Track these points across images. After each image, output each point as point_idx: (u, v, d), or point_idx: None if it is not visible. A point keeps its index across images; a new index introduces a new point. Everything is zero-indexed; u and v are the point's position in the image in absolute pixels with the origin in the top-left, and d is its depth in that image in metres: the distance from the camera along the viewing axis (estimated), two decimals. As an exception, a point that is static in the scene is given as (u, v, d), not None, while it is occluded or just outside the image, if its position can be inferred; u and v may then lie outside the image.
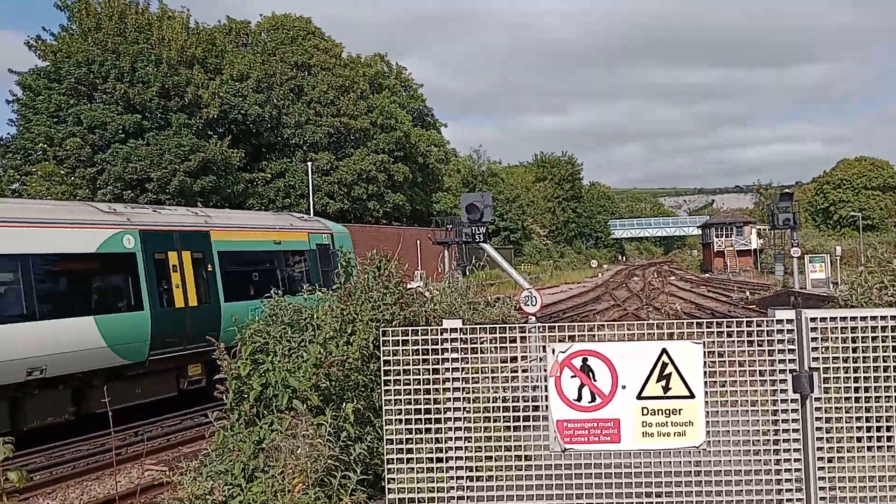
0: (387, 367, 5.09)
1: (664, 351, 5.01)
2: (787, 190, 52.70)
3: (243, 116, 44.89)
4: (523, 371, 5.67)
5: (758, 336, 5.21)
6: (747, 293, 40.32)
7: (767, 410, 5.34)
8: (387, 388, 5.10)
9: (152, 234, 14.83)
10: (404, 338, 5.09)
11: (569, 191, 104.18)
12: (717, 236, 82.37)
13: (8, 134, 38.54)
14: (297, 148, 48.70)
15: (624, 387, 4.97)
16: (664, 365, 5.01)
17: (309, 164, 44.97)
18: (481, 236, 18.55)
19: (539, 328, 5.88)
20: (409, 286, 9.74)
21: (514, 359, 6.17)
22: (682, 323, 5.36)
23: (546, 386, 5.12)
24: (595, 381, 4.93)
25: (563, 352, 4.89)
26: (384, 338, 5.14)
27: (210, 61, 43.94)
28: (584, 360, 4.93)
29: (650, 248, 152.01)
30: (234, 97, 44.08)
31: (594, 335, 5.19)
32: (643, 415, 5.02)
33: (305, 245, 19.11)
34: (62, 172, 35.51)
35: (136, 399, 14.02)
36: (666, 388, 5.01)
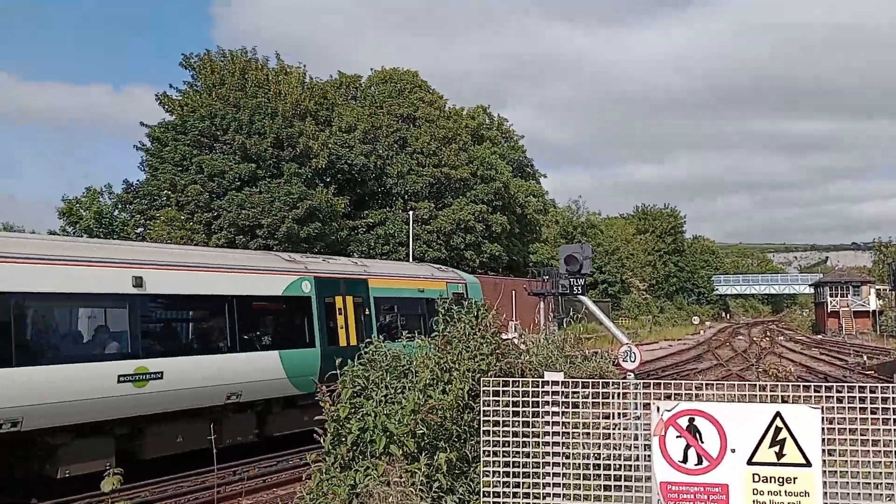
0: (486, 418, 5.08)
1: (778, 414, 4.77)
2: (911, 248, 49.23)
3: (349, 166, 46.65)
4: (623, 429, 5.51)
5: (882, 403, 4.88)
6: (864, 357, 37.62)
7: (891, 483, 4.96)
8: (485, 437, 5.08)
9: (324, 280, 17.03)
10: (504, 388, 5.08)
11: (670, 244, 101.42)
12: (831, 295, 77.75)
13: (137, 180, 41.49)
14: (399, 197, 49.99)
15: (734, 450, 4.75)
16: (778, 429, 4.76)
17: (410, 213, 45.98)
18: (579, 288, 18.33)
19: (639, 385, 5.73)
20: (504, 337, 9.72)
21: (611, 415, 6.01)
22: (798, 386, 5.09)
23: (646, 445, 4.96)
24: (702, 442, 4.73)
25: (669, 410, 4.74)
26: (484, 387, 5.14)
27: (321, 114, 46.14)
28: (691, 419, 4.76)
29: (756, 305, 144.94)
30: (342, 148, 45.96)
31: (701, 394, 5.00)
32: (754, 482, 4.77)
33: (443, 293, 20.34)
34: (182, 217, 37.87)
35: (304, 426, 14.54)
36: (780, 455, 4.75)
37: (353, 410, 7.96)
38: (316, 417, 8.41)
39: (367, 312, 17.92)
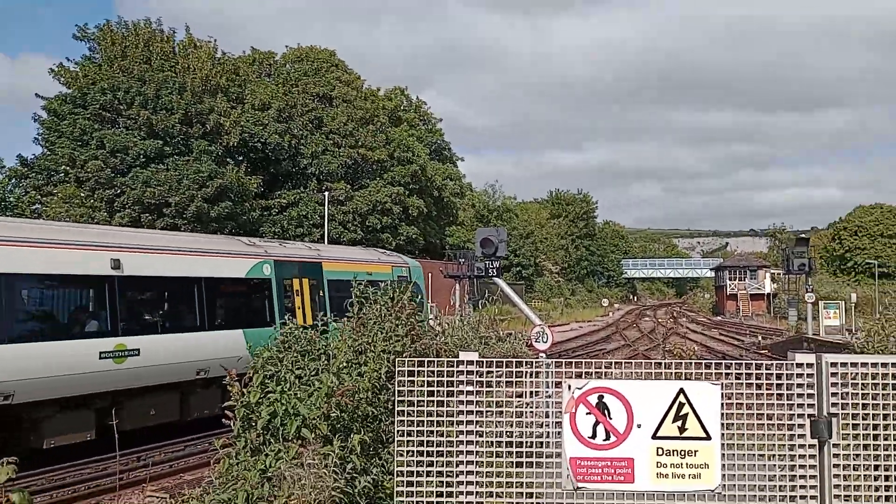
0: (400, 398, 5.06)
1: (681, 391, 4.96)
2: (803, 235, 52.45)
3: (263, 145, 45.45)
4: (535, 407, 5.62)
5: (776, 379, 5.15)
6: (759, 338, 39.91)
7: (784, 455, 5.25)
8: (400, 418, 5.06)
9: (282, 263, 18.11)
10: (419, 369, 5.07)
11: (583, 228, 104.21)
12: (730, 279, 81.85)
13: (33, 155, 39.05)
14: (313, 177, 49.13)
15: (639, 426, 4.91)
16: (681, 405, 4.95)
17: (326, 193, 45.30)
18: (494, 271, 18.53)
19: (551, 365, 5.84)
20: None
21: (524, 394, 6.12)
22: (700, 363, 5.31)
23: (557, 423, 5.07)
24: (610, 418, 4.87)
25: (580, 388, 4.85)
26: (399, 368, 5.12)
27: (233, 90, 44.64)
28: (601, 397, 4.88)
29: (662, 288, 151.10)
30: (255, 126, 44.67)
31: (610, 373, 5.14)
32: (658, 455, 4.95)
33: (389, 276, 21.83)
34: (82, 195, 35.96)
35: None
36: (682, 429, 4.94)
37: (264, 395, 7.80)
38: (225, 404, 8.21)
39: (321, 294, 18.92)
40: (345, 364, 7.85)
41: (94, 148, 37.20)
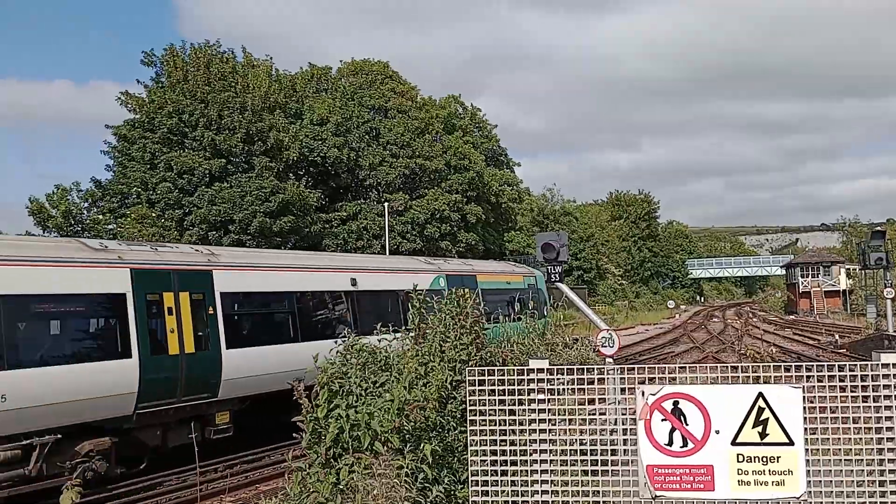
0: (472, 408, 5.05)
1: (760, 395, 4.81)
2: (878, 227, 50.21)
3: (322, 159, 46.27)
4: (607, 413, 5.53)
5: (861, 381, 4.94)
6: (836, 337, 38.33)
7: (872, 461, 5.02)
8: (471, 428, 5.06)
9: (452, 276, 21.52)
10: (489, 377, 5.06)
11: (644, 229, 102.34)
12: (802, 276, 79.01)
13: (106, 179, 40.75)
14: (372, 189, 49.74)
15: (717, 432, 4.78)
16: (760, 410, 4.80)
17: (385, 204, 45.78)
18: (557, 276, 18.36)
19: (619, 370, 5.73)
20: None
21: (593, 401, 6.03)
22: (779, 366, 5.13)
23: (627, 430, 4.97)
24: (687, 424, 4.75)
25: (654, 394, 4.75)
26: (469, 377, 5.12)
27: (291, 106, 45.63)
28: (675, 403, 4.77)
29: (730, 288, 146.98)
30: (314, 140, 45.54)
31: (683, 377, 5.02)
32: (738, 462, 4.80)
33: (521, 284, 26.03)
34: (154, 215, 37.31)
35: None
36: (763, 435, 4.79)
37: (331, 409, 7.88)
38: (294, 418, 8.34)
39: (477, 301, 20.30)
40: (414, 378, 7.87)
41: (162, 170, 38.59)
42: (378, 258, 23.68)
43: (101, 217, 38.72)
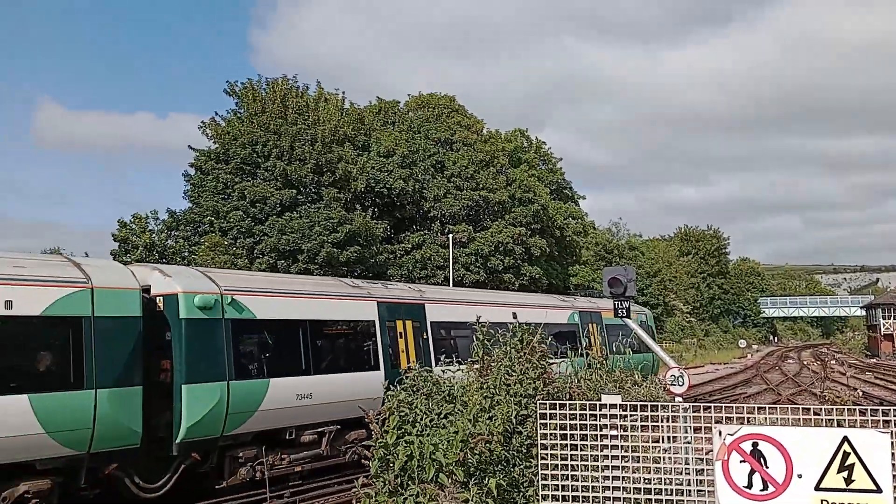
0: (542, 441, 4.99)
1: (845, 439, 4.59)
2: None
3: (388, 190, 46.96)
4: (683, 453, 5.37)
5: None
6: (924, 382, 36.21)
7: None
8: (542, 462, 5.00)
9: (584, 312, 25.04)
10: (560, 412, 5.00)
11: (714, 266, 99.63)
12: (884, 318, 75.35)
13: (180, 210, 42.39)
14: (436, 220, 50.10)
15: (800, 476, 4.58)
16: (846, 454, 4.58)
17: (449, 236, 46.03)
18: (624, 312, 18.02)
19: (694, 409, 5.57)
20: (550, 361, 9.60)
21: (666, 439, 5.86)
22: (865, 410, 4.91)
23: (698, 470, 4.82)
24: (767, 467, 4.57)
25: (732, 434, 4.60)
26: (541, 410, 5.07)
27: (359, 139, 46.61)
28: (755, 444, 4.60)
29: (806, 328, 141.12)
30: (380, 172, 46.31)
31: (764, 418, 4.85)
32: (822, 509, 4.58)
33: (635, 321, 27.64)
34: (225, 243, 38.50)
35: None
36: (848, 481, 4.56)
37: (400, 436, 7.91)
38: (364, 442, 8.41)
39: (603, 334, 25.47)
40: (479, 410, 7.83)
41: (235, 199, 39.88)
42: (525, 296, 27.20)
43: (176, 245, 40.20)
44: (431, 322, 18.48)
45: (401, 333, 17.41)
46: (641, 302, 73.64)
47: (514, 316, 20.17)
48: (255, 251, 39.26)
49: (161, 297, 12.76)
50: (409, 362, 16.51)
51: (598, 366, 11.91)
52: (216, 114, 44.62)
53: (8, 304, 10.37)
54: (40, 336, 10.66)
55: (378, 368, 16.35)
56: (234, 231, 39.34)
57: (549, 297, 26.51)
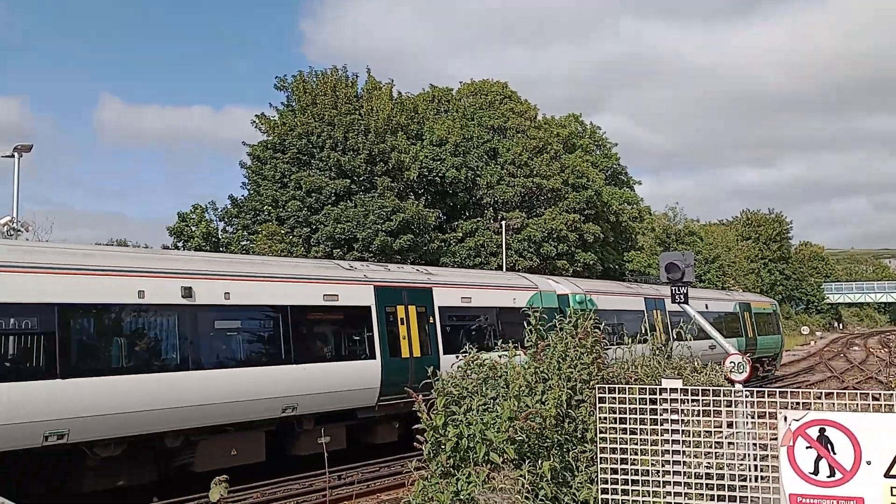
0: (602, 425, 4.99)
1: (918, 425, 4.44)
2: None
3: (441, 178, 47.06)
4: (745, 438, 5.28)
5: None
6: None
7: None
8: (602, 446, 4.99)
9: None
10: (620, 395, 4.97)
11: (776, 251, 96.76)
12: (958, 303, 71.97)
13: (241, 196, 43.37)
14: (489, 207, 49.99)
15: (869, 462, 4.46)
16: (918, 442, 4.43)
17: (503, 223, 45.91)
18: (683, 297, 17.70)
19: (758, 394, 5.47)
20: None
21: (732, 424, 5.78)
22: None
23: (761, 456, 4.73)
24: (834, 453, 4.46)
25: (797, 420, 4.50)
26: (600, 394, 5.05)
27: (412, 127, 46.79)
28: (822, 430, 4.49)
29: (873, 314, 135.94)
30: (433, 161, 46.43)
31: (832, 404, 4.73)
32: (892, 496, 4.45)
33: (747, 309, 33.40)
34: (283, 231, 39.27)
35: None
36: (921, 468, 4.42)
37: (449, 418, 7.99)
38: (414, 426, 8.51)
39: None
40: (524, 389, 7.85)
41: (292, 189, 40.61)
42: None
43: (234, 234, 41.17)
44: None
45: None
46: (700, 288, 72.13)
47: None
48: (311, 240, 39.93)
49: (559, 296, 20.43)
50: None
51: (658, 351, 11.72)
52: (270, 104, 45.35)
53: (514, 299, 18.66)
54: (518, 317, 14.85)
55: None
56: (291, 220, 40.09)
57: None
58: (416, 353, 16.52)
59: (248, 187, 43.31)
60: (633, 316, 23.97)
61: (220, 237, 41.19)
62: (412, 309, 16.70)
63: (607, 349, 8.71)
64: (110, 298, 11.52)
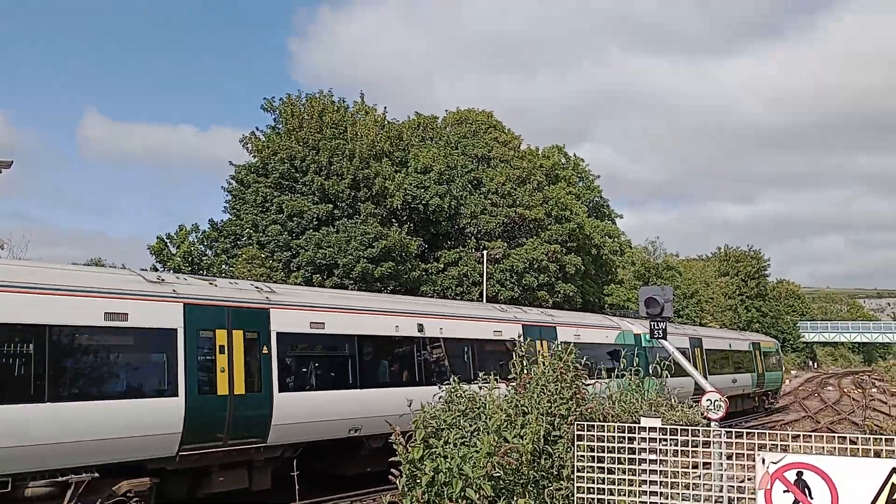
0: (580, 463, 4.92)
1: (894, 470, 4.43)
2: None
3: (424, 206, 47.14)
4: (722, 480, 5.24)
5: None
6: (973, 413, 34.93)
7: None
8: (579, 484, 4.92)
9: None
10: (598, 433, 4.92)
11: (753, 288, 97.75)
12: (930, 345, 72.93)
13: (221, 220, 43.10)
14: (472, 237, 50.08)
15: (846, 508, 4.43)
16: (894, 487, 4.42)
17: (484, 253, 45.97)
18: (661, 332, 17.75)
19: (735, 435, 5.44)
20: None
21: (707, 464, 5.74)
22: (916, 441, 4.73)
23: (736, 498, 4.69)
24: (812, 498, 4.43)
25: (776, 462, 4.47)
26: (578, 431, 5.00)
27: (397, 154, 46.96)
28: (799, 473, 4.46)
29: (847, 354, 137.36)
30: (417, 188, 46.54)
31: (809, 447, 4.71)
32: (869, 543, 4.42)
33: (749, 349, 37.68)
34: (262, 256, 38.97)
35: None
36: (898, 515, 4.40)
37: (427, 451, 7.87)
38: (390, 459, 8.37)
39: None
40: (503, 424, 7.76)
41: (273, 213, 40.41)
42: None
43: (215, 257, 40.82)
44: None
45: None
46: (678, 324, 72.47)
47: (698, 342, 25.54)
48: (292, 265, 39.66)
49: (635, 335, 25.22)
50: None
51: (634, 388, 11.69)
52: (256, 129, 45.33)
53: (606, 337, 24.52)
54: (615, 353, 22.64)
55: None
56: (271, 244, 39.83)
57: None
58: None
59: (230, 211, 43.07)
60: (680, 353, 27.41)
61: (202, 261, 40.85)
62: (543, 345, 19.21)
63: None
64: (384, 332, 16.62)
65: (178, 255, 38.86)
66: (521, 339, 16.36)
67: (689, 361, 28.36)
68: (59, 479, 10.83)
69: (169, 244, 39.73)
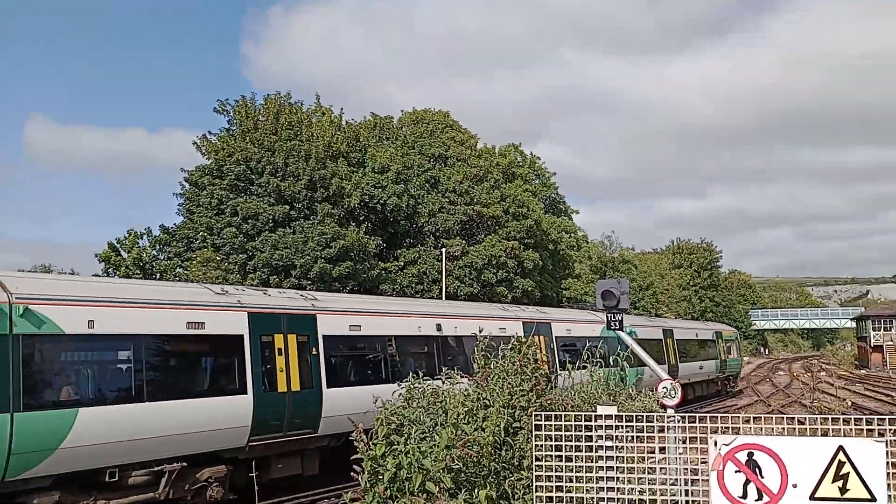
0: (537, 453, 4.99)
1: (840, 448, 4.61)
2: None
3: (382, 206, 47.00)
4: (678, 464, 5.37)
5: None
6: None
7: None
8: (538, 473, 5.00)
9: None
10: (556, 423, 5.00)
11: (706, 279, 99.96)
12: (874, 329, 75.62)
13: (174, 224, 42.30)
14: (430, 235, 50.13)
15: (795, 486, 4.59)
16: (840, 464, 4.59)
17: (442, 250, 46.06)
18: (617, 324, 18.05)
19: (690, 419, 5.59)
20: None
21: (663, 450, 5.88)
22: (860, 420, 4.93)
23: (691, 481, 4.83)
24: (762, 477, 4.58)
25: (727, 444, 4.61)
26: (536, 422, 5.07)
27: (354, 155, 46.70)
28: (750, 454, 4.61)
29: (796, 340, 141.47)
30: (375, 188, 46.36)
31: (760, 428, 4.86)
32: (817, 519, 4.60)
33: (726, 338, 41.32)
34: (217, 258, 38.37)
35: None
36: (843, 490, 4.58)
37: (389, 448, 7.89)
38: (353, 457, 8.36)
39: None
40: (463, 416, 7.83)
41: (228, 216, 39.82)
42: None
43: (168, 262, 40.03)
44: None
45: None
46: (634, 315, 73.70)
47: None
48: (248, 267, 39.16)
49: None
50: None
51: (611, 377, 11.95)
52: (209, 132, 44.62)
53: (593, 330, 24.65)
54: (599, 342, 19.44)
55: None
56: (227, 247, 39.25)
57: (695, 323, 35.96)
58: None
59: (184, 214, 42.29)
60: (655, 343, 29.23)
61: (154, 265, 40.04)
62: (541, 340, 21.13)
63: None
64: (409, 332, 17.79)
65: (129, 260, 38.00)
66: (522, 334, 17.81)
67: (664, 350, 30.80)
68: (156, 468, 12.20)
69: (120, 249, 38.80)
